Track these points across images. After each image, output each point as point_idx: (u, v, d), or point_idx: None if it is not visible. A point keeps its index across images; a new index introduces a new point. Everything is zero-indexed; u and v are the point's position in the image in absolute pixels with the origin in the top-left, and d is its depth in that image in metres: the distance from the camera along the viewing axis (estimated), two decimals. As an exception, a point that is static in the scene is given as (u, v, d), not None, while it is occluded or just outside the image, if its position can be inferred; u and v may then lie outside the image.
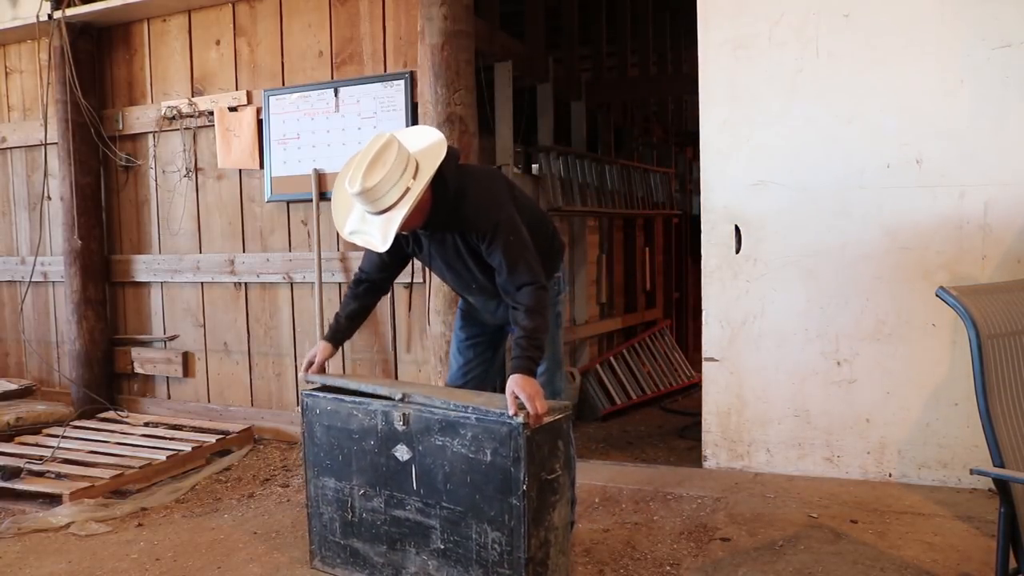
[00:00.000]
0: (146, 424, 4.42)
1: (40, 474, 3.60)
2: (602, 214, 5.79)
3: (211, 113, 4.40)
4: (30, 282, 4.98)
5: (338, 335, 2.71)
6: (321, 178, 4.11)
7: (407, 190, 2.26)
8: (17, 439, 4.15)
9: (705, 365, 3.58)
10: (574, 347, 5.49)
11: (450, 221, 2.42)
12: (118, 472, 3.59)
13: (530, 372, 2.23)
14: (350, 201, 2.36)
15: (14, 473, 3.57)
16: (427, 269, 3.76)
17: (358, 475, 2.52)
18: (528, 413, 2.15)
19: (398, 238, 2.37)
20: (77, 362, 4.74)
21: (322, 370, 2.66)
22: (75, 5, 4.50)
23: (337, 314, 2.71)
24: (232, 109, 4.35)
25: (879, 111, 3.23)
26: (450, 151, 2.40)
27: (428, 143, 2.38)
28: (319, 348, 2.67)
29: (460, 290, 2.70)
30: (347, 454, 2.54)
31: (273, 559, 2.81)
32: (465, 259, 2.49)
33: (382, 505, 2.47)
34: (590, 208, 5.58)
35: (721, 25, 3.44)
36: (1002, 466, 1.78)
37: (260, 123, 4.28)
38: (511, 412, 2.17)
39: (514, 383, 2.20)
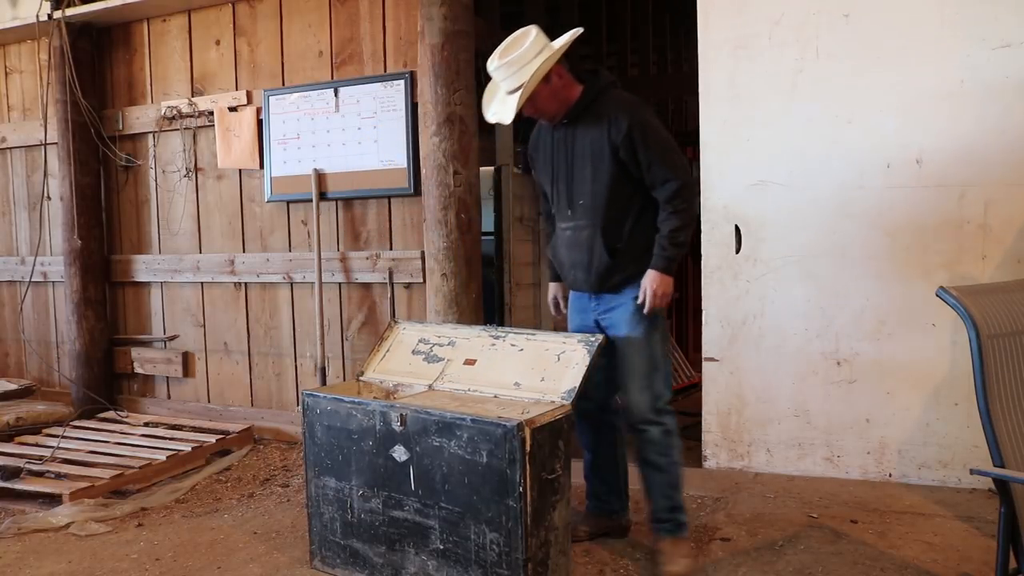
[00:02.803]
0: (146, 424, 4.42)
1: (40, 474, 3.61)
2: (602, 214, 5.79)
3: (211, 113, 4.40)
4: (30, 282, 4.98)
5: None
6: (321, 178, 4.11)
7: (539, 68, 2.44)
8: (17, 439, 4.15)
9: (705, 365, 3.57)
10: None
11: (591, 110, 2.55)
12: (118, 472, 3.59)
13: (665, 270, 2.51)
14: (494, 90, 2.61)
15: (14, 473, 3.57)
16: (425, 270, 3.77)
17: (357, 475, 2.52)
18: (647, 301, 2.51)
19: (525, 155, 2.76)
20: (77, 362, 4.74)
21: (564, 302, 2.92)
22: (75, 5, 4.50)
23: (548, 257, 2.94)
24: (232, 109, 4.35)
25: (879, 111, 3.22)
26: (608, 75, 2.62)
27: (565, 37, 2.54)
28: (554, 289, 2.95)
29: (563, 208, 2.69)
30: (347, 454, 2.54)
31: (273, 559, 2.81)
32: (587, 158, 2.56)
33: (380, 505, 2.47)
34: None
35: (721, 25, 3.44)
36: (1002, 466, 1.78)
37: (260, 123, 4.28)
38: (639, 299, 2.53)
39: (647, 277, 2.52)
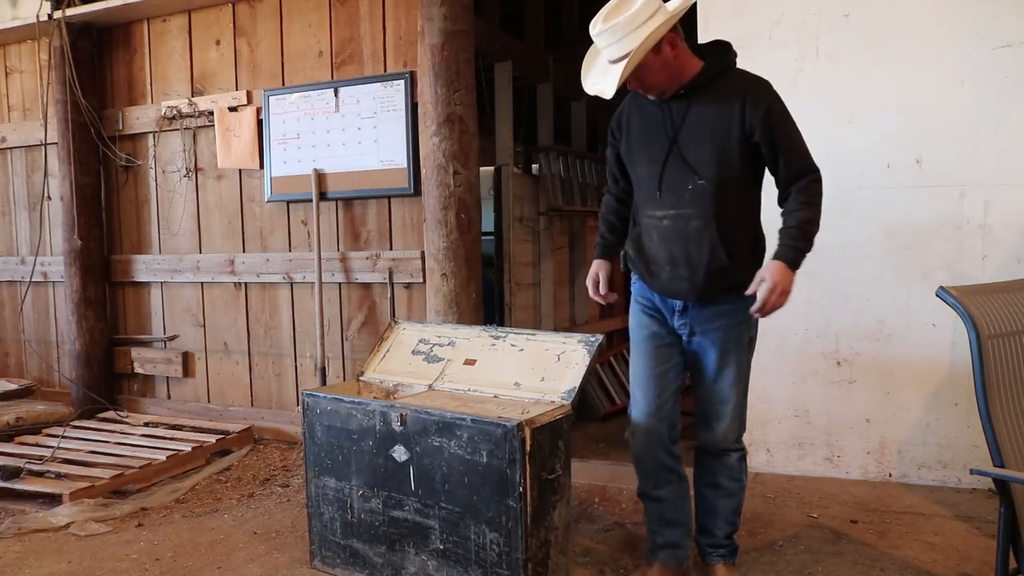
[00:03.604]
0: (146, 424, 4.42)
1: (40, 474, 3.61)
2: (602, 214, 5.79)
3: (211, 113, 4.40)
4: (30, 282, 4.98)
5: (608, 250, 2.58)
6: (321, 178, 4.11)
7: (647, 36, 2.10)
8: (17, 439, 4.14)
9: (705, 365, 3.57)
10: (574, 347, 5.47)
11: (712, 86, 2.23)
12: (118, 472, 3.59)
13: (791, 262, 2.15)
14: (595, 56, 2.27)
15: (14, 473, 3.57)
16: (425, 270, 3.77)
17: (357, 475, 2.52)
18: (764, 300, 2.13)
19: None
20: (77, 362, 4.74)
21: (608, 287, 2.55)
22: (75, 5, 4.51)
23: (600, 233, 2.61)
24: (232, 109, 4.35)
25: (879, 111, 3.23)
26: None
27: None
28: (599, 268, 2.53)
29: (662, 194, 2.30)
30: (347, 454, 2.54)
31: (273, 559, 2.81)
32: (707, 138, 2.22)
33: (380, 505, 2.48)
34: (590, 208, 5.58)
35: (721, 25, 3.44)
36: (1002, 466, 1.78)
37: (260, 123, 4.28)
38: (750, 290, 2.16)
39: (768, 268, 2.15)
